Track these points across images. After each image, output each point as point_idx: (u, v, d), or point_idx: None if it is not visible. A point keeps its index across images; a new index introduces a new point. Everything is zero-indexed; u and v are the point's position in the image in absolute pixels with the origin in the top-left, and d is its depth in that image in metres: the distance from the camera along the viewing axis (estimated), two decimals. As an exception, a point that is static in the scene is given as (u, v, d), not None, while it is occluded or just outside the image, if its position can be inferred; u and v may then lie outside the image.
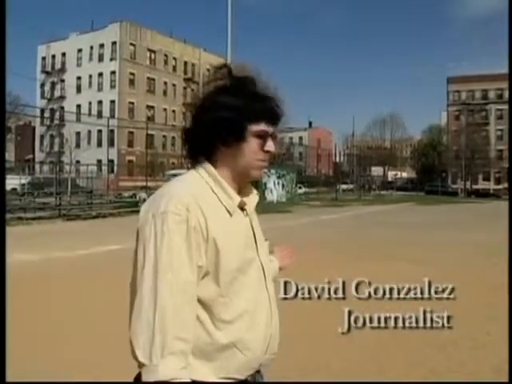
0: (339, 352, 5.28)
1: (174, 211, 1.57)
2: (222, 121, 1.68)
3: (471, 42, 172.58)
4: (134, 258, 1.69)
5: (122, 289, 7.42)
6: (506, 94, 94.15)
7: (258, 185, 37.65)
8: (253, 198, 1.83)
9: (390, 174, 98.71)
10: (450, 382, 4.51)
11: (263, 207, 33.50)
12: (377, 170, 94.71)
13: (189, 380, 1.52)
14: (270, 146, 1.75)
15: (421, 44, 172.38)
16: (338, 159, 78.47)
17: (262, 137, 1.73)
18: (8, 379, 3.45)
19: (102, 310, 7.01)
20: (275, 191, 39.96)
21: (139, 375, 1.57)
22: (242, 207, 1.75)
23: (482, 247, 14.63)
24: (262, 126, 1.73)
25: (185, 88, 78.24)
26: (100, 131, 62.48)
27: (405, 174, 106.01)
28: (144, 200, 29.62)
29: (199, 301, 1.62)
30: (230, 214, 1.70)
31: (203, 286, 1.62)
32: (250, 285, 1.70)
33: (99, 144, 64.40)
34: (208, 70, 68.60)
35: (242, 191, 1.79)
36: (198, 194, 1.64)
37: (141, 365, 1.51)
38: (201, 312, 1.63)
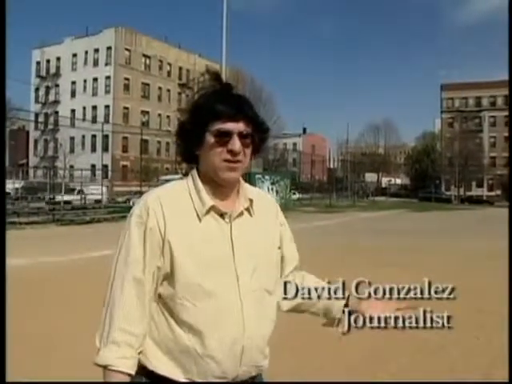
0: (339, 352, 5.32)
1: (137, 214, 1.68)
2: (186, 124, 1.75)
3: (463, 50, 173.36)
4: None
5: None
6: (500, 101, 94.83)
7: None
8: (239, 204, 1.80)
9: (384, 181, 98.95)
10: (450, 381, 4.54)
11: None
12: (371, 177, 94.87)
13: (124, 370, 1.61)
14: (233, 144, 1.69)
15: (414, 51, 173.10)
16: (332, 165, 78.61)
17: (224, 136, 1.70)
18: (8, 379, 3.51)
19: (95, 315, 7.01)
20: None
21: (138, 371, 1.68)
22: (220, 213, 1.74)
23: (476, 254, 14.70)
24: (219, 125, 1.70)
25: (179, 93, 78.27)
26: (94, 136, 62.42)
27: (398, 181, 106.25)
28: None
29: (163, 299, 1.70)
30: (200, 219, 1.71)
31: (164, 286, 1.69)
32: (213, 292, 1.68)
33: (93, 149, 64.38)
34: (202, 74, 68.78)
35: (228, 196, 1.79)
36: (166, 198, 1.70)
37: (97, 341, 1.67)
38: (164, 310, 1.70)
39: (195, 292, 1.66)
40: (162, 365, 1.68)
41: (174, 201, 1.71)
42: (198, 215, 1.71)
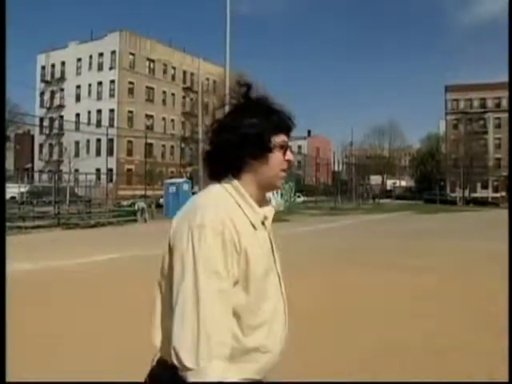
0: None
1: (210, 225, 1.66)
2: (251, 136, 1.77)
3: (469, 52, 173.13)
4: (163, 266, 1.83)
5: (120, 296, 7.50)
6: (504, 103, 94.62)
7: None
8: (270, 212, 1.92)
9: (389, 183, 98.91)
10: (451, 381, 4.54)
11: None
12: (375, 179, 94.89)
13: (235, 380, 1.63)
14: (290, 155, 1.88)
15: (419, 53, 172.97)
16: (336, 168, 78.50)
17: (283, 148, 1.85)
18: (8, 379, 3.52)
19: (102, 319, 7.04)
20: (274, 200, 39.90)
21: (151, 377, 1.78)
22: (262, 221, 1.85)
23: (481, 255, 14.68)
24: (282, 137, 1.85)
25: (184, 97, 78.40)
26: (99, 140, 62.51)
27: (403, 183, 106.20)
28: (143, 209, 29.73)
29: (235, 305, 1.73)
30: (255, 228, 1.80)
31: (234, 294, 1.70)
32: (271, 293, 1.81)
33: (98, 153, 64.47)
34: (207, 79, 68.90)
35: (260, 205, 1.88)
36: (228, 209, 1.75)
37: (185, 369, 1.58)
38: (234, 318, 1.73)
39: (262, 297, 1.77)
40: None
41: (232, 210, 1.76)
42: (252, 224, 1.79)
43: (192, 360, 1.57)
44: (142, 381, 1.85)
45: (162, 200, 35.40)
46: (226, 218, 1.70)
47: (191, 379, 1.57)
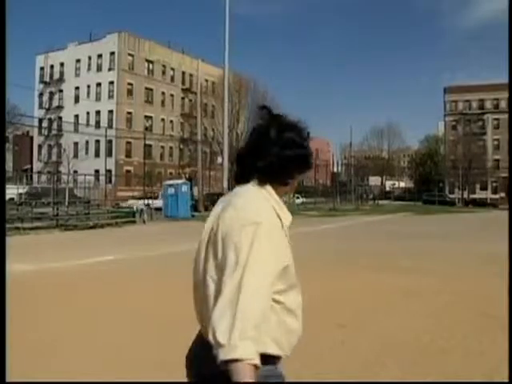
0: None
1: (265, 222, 1.87)
2: (303, 156, 2.06)
3: (467, 53, 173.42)
4: (199, 254, 2.05)
5: (120, 298, 7.48)
6: (503, 104, 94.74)
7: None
8: (291, 219, 2.12)
9: (388, 184, 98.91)
10: (451, 381, 4.54)
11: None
12: (374, 180, 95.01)
13: (257, 364, 1.71)
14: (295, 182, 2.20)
15: (418, 55, 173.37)
16: (335, 169, 78.56)
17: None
18: (8, 379, 3.51)
19: (100, 320, 7.03)
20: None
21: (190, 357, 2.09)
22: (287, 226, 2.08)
23: (481, 257, 14.67)
24: (311, 160, 2.16)
25: (183, 98, 78.41)
26: (98, 141, 62.53)
27: (402, 184, 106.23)
28: (142, 210, 29.72)
29: (277, 293, 1.93)
30: (284, 230, 2.02)
31: (276, 284, 1.90)
32: (298, 287, 2.06)
33: (97, 154, 64.49)
34: (206, 80, 68.87)
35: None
36: (271, 210, 1.98)
37: (218, 345, 1.70)
38: (276, 303, 1.94)
39: (295, 286, 2.02)
40: (268, 348, 1.90)
41: (273, 212, 1.99)
42: (283, 227, 2.01)
43: (225, 337, 1.70)
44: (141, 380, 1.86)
45: (152, 203, 35.13)
46: (274, 215, 1.96)
47: (222, 356, 1.68)
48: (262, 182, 2.01)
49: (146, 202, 33.92)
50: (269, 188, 2.02)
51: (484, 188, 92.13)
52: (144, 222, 28.78)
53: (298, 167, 2.07)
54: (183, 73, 78.48)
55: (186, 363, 2.13)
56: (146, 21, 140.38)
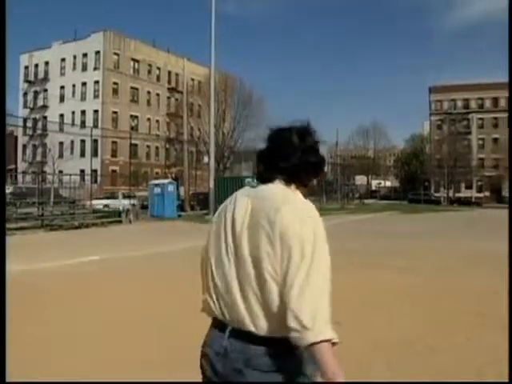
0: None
1: (317, 216, 2.18)
2: (320, 162, 2.34)
3: (452, 53, 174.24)
4: (236, 245, 2.12)
5: (105, 298, 7.42)
6: (488, 104, 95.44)
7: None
8: None
9: (374, 183, 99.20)
10: (451, 381, 4.53)
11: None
12: (360, 179, 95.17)
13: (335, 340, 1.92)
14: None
15: (403, 54, 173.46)
16: (321, 168, 78.34)
17: None
18: (8, 379, 3.53)
19: (84, 321, 6.98)
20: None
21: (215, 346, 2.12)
22: None
23: (468, 255, 14.77)
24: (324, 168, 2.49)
25: (168, 97, 78.21)
26: (83, 141, 62.11)
27: (388, 183, 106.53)
28: (128, 210, 29.60)
29: None
30: None
31: None
32: None
33: (82, 154, 64.16)
34: (192, 79, 68.72)
35: None
36: None
37: (305, 329, 1.88)
38: None
39: None
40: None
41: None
42: None
43: (311, 322, 1.88)
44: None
45: (128, 202, 35.07)
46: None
47: (311, 339, 1.87)
48: (287, 183, 2.22)
49: (131, 201, 33.85)
50: (293, 187, 2.24)
51: (469, 187, 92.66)
52: (130, 221, 28.67)
53: (315, 171, 2.33)
54: (169, 72, 78.28)
55: (203, 359, 2.19)
56: (131, 20, 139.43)
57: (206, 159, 46.87)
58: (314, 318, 1.88)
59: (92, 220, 27.01)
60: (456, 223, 32.04)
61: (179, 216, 33.15)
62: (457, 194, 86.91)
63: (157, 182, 37.34)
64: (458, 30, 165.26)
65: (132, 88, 72.96)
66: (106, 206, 33.38)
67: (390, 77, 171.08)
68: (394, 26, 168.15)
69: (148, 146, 72.13)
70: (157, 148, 73.50)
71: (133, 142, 51.92)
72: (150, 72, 76.01)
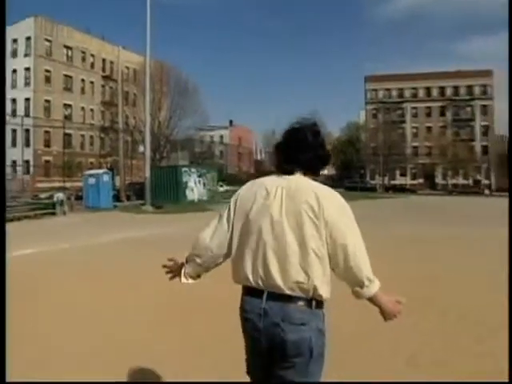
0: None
1: (344, 201, 2.73)
2: (328, 156, 2.87)
3: (387, 43, 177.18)
4: (273, 226, 2.62)
5: (38, 293, 7.02)
6: (421, 93, 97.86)
7: (179, 184, 37.26)
8: None
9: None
10: (451, 382, 4.50)
11: (184, 206, 33.18)
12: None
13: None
14: None
15: (339, 44, 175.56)
16: (259, 157, 78.88)
17: None
18: (8, 379, 3.62)
19: (17, 317, 6.67)
20: (196, 190, 39.64)
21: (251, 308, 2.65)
22: None
23: (402, 239, 15.02)
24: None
25: (103, 86, 76.92)
26: (14, 131, 60.19)
27: (325, 171, 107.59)
28: (62, 201, 28.81)
29: None
30: None
31: None
32: None
33: (13, 144, 62.13)
34: (127, 67, 67.62)
35: None
36: None
37: (369, 281, 2.65)
38: None
39: None
40: None
41: None
42: None
43: (371, 276, 2.65)
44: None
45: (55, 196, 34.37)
46: None
47: (374, 289, 2.66)
48: (305, 173, 2.73)
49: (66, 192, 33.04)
50: (309, 177, 2.75)
51: (403, 174, 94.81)
52: (64, 213, 27.94)
53: (323, 163, 2.84)
54: (104, 60, 76.96)
55: (246, 322, 2.69)
56: (64, 6, 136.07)
57: (141, 148, 46.12)
58: (371, 274, 2.64)
59: (25, 212, 26.17)
60: (393, 209, 32.64)
61: (115, 206, 32.61)
62: (392, 182, 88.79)
63: (91, 172, 36.65)
64: (393, 20, 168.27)
65: (65, 76, 71.29)
66: (68, 197, 32.31)
67: (328, 66, 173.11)
68: (331, 16, 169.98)
69: (82, 136, 70.78)
70: (91, 137, 72.19)
71: (66, 131, 50.85)
72: (84, 59, 74.48)
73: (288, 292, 2.55)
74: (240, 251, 2.70)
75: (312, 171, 2.77)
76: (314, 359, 2.59)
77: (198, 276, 2.97)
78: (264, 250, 2.60)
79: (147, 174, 32.92)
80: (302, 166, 2.72)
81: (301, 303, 2.56)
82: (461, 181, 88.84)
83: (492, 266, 10.21)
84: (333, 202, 2.63)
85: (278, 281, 2.55)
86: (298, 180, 2.69)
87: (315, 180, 2.75)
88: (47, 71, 68.74)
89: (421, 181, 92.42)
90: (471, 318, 6.63)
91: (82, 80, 74.07)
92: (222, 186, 54.15)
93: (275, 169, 2.81)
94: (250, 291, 2.66)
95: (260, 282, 2.61)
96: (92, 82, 75.59)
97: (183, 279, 2.93)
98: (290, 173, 2.71)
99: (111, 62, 75.26)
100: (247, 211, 2.71)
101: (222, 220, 2.85)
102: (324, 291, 2.58)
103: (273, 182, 2.72)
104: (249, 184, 2.90)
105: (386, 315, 2.70)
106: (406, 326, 5.71)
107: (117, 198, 36.17)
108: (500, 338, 5.57)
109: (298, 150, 2.73)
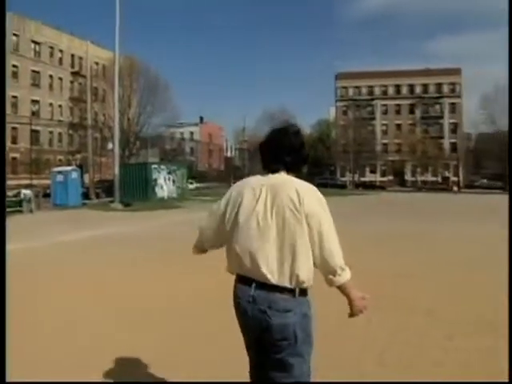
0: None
1: (321, 196, 2.93)
2: (307, 155, 3.15)
3: (357, 42, 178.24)
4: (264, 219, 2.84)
5: (12, 292, 6.74)
6: (391, 91, 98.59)
7: (149, 181, 36.98)
8: None
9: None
10: (451, 382, 4.46)
11: (154, 203, 32.93)
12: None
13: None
14: None
15: (310, 42, 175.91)
16: (229, 154, 78.73)
17: None
18: (8, 379, 3.70)
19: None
20: (166, 187, 39.37)
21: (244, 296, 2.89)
22: None
23: (371, 236, 15.08)
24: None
25: (72, 82, 75.96)
26: (-20, 127, 59.32)
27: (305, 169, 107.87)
28: (30, 199, 28.36)
29: None
30: None
31: None
32: None
33: (-20, 140, 61.32)
34: (96, 63, 66.94)
35: None
36: None
37: (341, 269, 2.81)
38: None
39: None
40: None
41: None
42: None
43: (342, 265, 2.81)
44: None
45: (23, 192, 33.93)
46: None
47: (346, 277, 2.82)
48: (288, 172, 2.98)
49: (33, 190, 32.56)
50: (292, 175, 2.99)
51: (373, 171, 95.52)
52: (31, 211, 27.53)
53: (305, 162, 3.13)
54: (72, 55, 75.94)
55: (238, 307, 2.93)
56: (32, 0, 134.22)
57: (110, 145, 45.76)
58: (342, 262, 2.81)
59: (-11, 210, 25.69)
60: (365, 206, 32.83)
61: (84, 204, 32.27)
62: (362, 178, 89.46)
63: (59, 169, 36.19)
64: (363, 18, 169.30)
65: (33, 71, 70.19)
66: (36, 195, 31.79)
67: (299, 63, 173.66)
68: (303, 13, 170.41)
69: (50, 132, 69.85)
70: (60, 134, 71.29)
71: (34, 127, 50.12)
72: (52, 55, 73.42)
73: (273, 282, 2.77)
74: (231, 245, 2.94)
75: (294, 170, 3.04)
76: (301, 340, 2.82)
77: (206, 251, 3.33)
78: (251, 244, 2.83)
79: (116, 171, 32.62)
80: (285, 166, 2.98)
81: (285, 292, 2.77)
82: (430, 178, 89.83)
83: (461, 262, 10.28)
84: (312, 195, 2.86)
85: (264, 272, 2.77)
86: (282, 178, 2.94)
87: (297, 177, 3.00)
88: (14, 66, 67.56)
89: (390, 178, 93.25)
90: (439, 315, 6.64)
91: (50, 76, 73.02)
92: (191, 183, 53.99)
93: (262, 168, 3.06)
94: (241, 279, 2.91)
95: (248, 274, 2.85)
96: (60, 78, 74.57)
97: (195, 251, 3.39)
98: (275, 171, 2.97)
99: (80, 58, 74.30)
100: (237, 208, 2.95)
101: (214, 216, 3.13)
102: (307, 279, 2.79)
103: (258, 181, 2.96)
104: (239, 183, 3.14)
105: (352, 307, 2.88)
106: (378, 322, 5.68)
107: (86, 195, 35.83)
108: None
109: (283, 151, 2.99)
